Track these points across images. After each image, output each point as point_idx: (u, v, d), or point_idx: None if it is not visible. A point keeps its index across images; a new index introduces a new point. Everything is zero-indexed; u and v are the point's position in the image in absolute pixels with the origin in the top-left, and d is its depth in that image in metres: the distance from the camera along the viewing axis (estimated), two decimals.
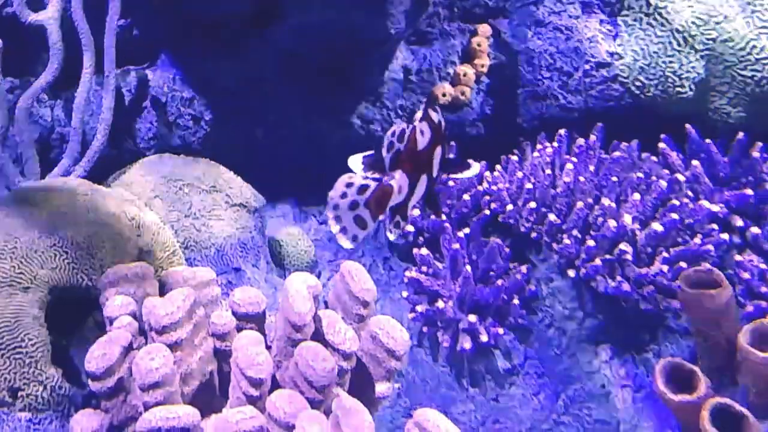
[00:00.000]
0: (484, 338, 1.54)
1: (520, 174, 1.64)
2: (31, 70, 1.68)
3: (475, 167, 1.06)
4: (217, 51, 1.69)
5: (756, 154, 1.58)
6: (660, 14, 1.68)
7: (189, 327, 1.02)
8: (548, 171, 1.61)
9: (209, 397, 1.07)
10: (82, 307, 1.21)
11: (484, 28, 1.76)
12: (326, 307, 1.12)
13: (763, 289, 1.49)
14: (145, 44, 1.74)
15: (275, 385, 1.02)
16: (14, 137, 1.58)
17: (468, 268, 1.57)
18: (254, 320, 1.08)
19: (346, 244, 0.97)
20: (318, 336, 1.03)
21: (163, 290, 1.19)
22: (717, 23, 1.64)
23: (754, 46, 1.61)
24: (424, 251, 1.63)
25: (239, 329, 1.08)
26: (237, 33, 1.67)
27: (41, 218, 1.24)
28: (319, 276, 1.75)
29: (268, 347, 1.06)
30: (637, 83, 1.71)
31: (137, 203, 1.39)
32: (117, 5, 1.52)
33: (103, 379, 0.99)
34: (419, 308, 1.59)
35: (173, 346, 1.00)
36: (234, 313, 1.08)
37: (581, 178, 1.58)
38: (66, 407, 1.12)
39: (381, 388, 1.08)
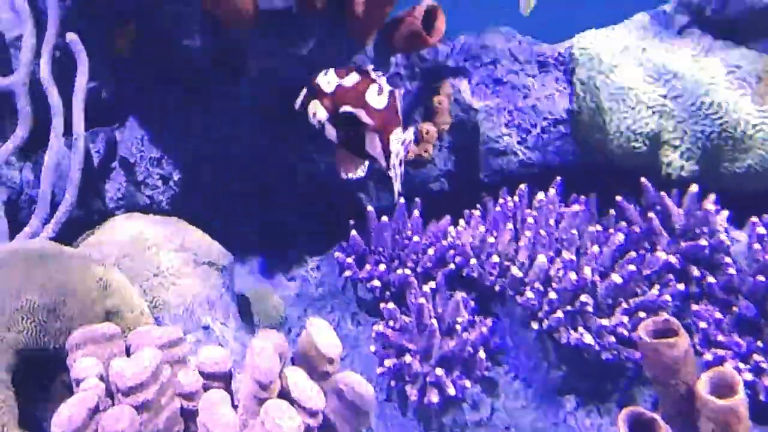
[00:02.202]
0: (451, 391, 1.56)
1: (482, 228, 1.68)
2: (0, 134, 1.69)
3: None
4: (183, 109, 1.72)
5: (710, 206, 1.63)
6: (612, 71, 1.74)
7: (155, 387, 1.03)
8: (510, 225, 1.64)
9: None
10: (49, 369, 1.22)
11: (445, 87, 1.81)
12: (293, 364, 1.13)
13: (720, 338, 1.53)
14: (113, 106, 1.76)
15: None
16: None
17: (434, 321, 1.59)
18: (221, 379, 1.09)
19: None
20: (284, 394, 1.04)
21: (130, 351, 1.20)
22: (667, 80, 1.70)
23: (703, 102, 1.67)
24: (391, 305, 1.66)
25: (206, 388, 1.09)
26: (202, 90, 1.70)
27: (8, 281, 1.25)
28: (288, 332, 1.76)
29: (235, 406, 1.07)
30: (593, 139, 1.76)
31: (105, 264, 1.39)
32: (85, 68, 1.54)
33: None
34: (387, 363, 1.61)
35: (140, 408, 1.01)
36: (201, 373, 1.09)
37: (542, 232, 1.62)
38: None
39: None
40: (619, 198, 1.70)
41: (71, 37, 1.52)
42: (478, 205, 1.79)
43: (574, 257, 1.57)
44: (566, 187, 1.73)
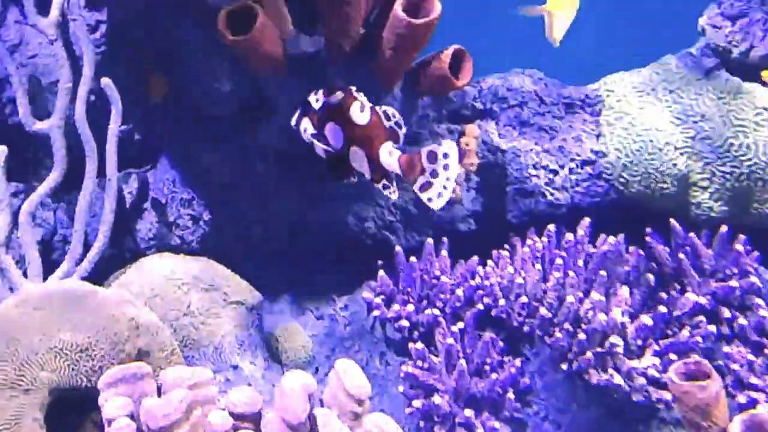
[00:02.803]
0: None
1: (511, 269, 1.68)
2: (35, 175, 1.72)
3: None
4: (213, 152, 1.75)
5: (739, 246, 1.62)
6: (640, 114, 1.75)
7: (186, 427, 1.04)
8: (538, 266, 1.64)
9: None
10: (81, 408, 1.23)
11: (472, 129, 1.83)
12: (322, 405, 1.14)
13: (753, 380, 1.51)
14: (145, 148, 1.79)
15: None
16: (17, 239, 1.61)
17: (463, 362, 1.59)
18: (250, 420, 1.10)
19: None
20: None
21: (161, 390, 1.21)
22: (695, 122, 1.71)
23: (732, 144, 1.67)
24: (420, 345, 1.66)
25: (235, 429, 1.09)
26: (232, 132, 1.73)
27: (43, 320, 1.27)
28: (316, 371, 1.76)
29: None
30: (621, 180, 1.76)
31: (136, 303, 1.41)
32: (119, 112, 1.57)
33: None
34: (416, 403, 1.61)
35: None
36: (230, 413, 1.10)
37: (571, 273, 1.61)
38: None
39: None
40: (648, 239, 1.70)
41: (106, 82, 1.55)
42: (506, 246, 1.80)
43: (603, 298, 1.57)
44: (595, 227, 1.73)
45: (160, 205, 1.77)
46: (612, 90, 1.81)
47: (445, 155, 1.19)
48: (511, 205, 1.84)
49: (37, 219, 1.70)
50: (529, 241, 1.73)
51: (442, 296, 1.71)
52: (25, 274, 1.57)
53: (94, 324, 1.28)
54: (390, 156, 1.21)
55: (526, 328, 1.63)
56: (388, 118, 1.22)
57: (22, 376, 1.19)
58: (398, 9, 1.45)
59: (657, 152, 1.72)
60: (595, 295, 1.57)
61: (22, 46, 1.66)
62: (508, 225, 1.85)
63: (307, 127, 1.29)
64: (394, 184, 1.24)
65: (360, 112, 1.22)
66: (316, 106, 1.27)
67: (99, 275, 1.59)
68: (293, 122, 1.32)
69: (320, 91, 1.27)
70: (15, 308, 1.30)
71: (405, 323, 1.70)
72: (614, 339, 1.53)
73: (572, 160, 1.82)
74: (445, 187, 1.19)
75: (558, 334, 1.57)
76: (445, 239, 1.78)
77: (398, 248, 1.77)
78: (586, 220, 1.73)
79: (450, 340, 1.61)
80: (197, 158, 1.76)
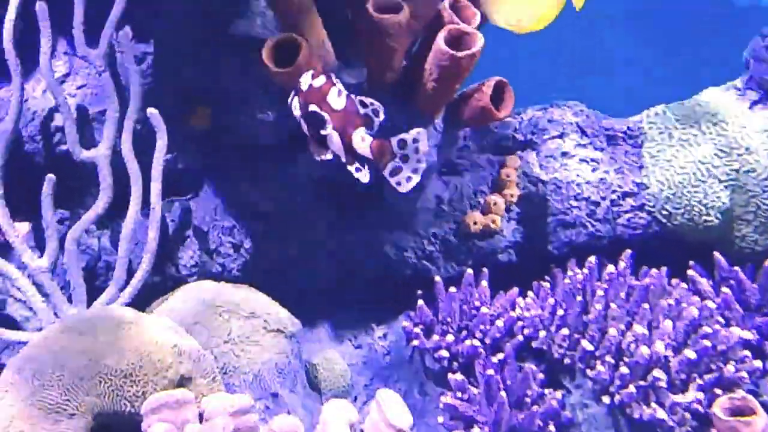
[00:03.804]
0: None
1: (552, 300, 1.67)
2: (81, 202, 1.75)
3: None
4: (255, 181, 1.77)
5: None
6: (683, 146, 1.74)
7: None
8: (579, 298, 1.63)
9: None
10: None
11: (513, 160, 1.83)
12: None
13: None
14: (188, 176, 1.82)
15: None
16: (63, 266, 1.64)
17: (503, 393, 1.58)
18: None
19: None
20: None
21: (203, 417, 1.22)
22: (739, 155, 1.70)
23: None
24: (459, 377, 1.65)
25: None
26: (274, 161, 1.75)
27: (88, 346, 1.28)
28: (354, 400, 1.76)
29: None
30: (664, 212, 1.75)
31: (179, 330, 1.43)
32: (164, 141, 1.60)
33: None
34: None
35: None
36: None
37: (613, 305, 1.60)
38: None
39: None
40: (691, 272, 1.68)
41: (152, 111, 1.58)
42: (546, 277, 1.79)
43: (646, 331, 1.55)
44: (637, 259, 1.72)
45: (202, 233, 1.79)
46: (654, 122, 1.81)
47: (414, 141, 1.25)
48: (552, 236, 1.84)
49: (81, 245, 1.72)
50: (570, 273, 1.72)
51: (481, 327, 1.70)
52: (69, 300, 1.60)
53: (137, 350, 1.29)
54: (362, 141, 1.27)
55: (567, 361, 1.62)
56: (365, 106, 1.28)
57: (68, 401, 1.21)
58: (441, 42, 1.47)
59: (700, 185, 1.71)
60: (638, 328, 1.55)
61: (71, 77, 1.70)
62: (548, 256, 1.84)
63: (296, 106, 1.34)
64: (366, 167, 1.30)
65: (337, 97, 1.28)
66: (303, 87, 1.32)
67: (142, 302, 1.61)
68: (289, 101, 1.38)
69: (309, 73, 1.32)
70: (61, 334, 1.32)
71: (444, 353, 1.70)
72: (657, 373, 1.51)
73: (614, 191, 1.81)
74: (414, 171, 1.26)
75: (600, 367, 1.56)
76: (485, 269, 1.78)
77: (438, 278, 1.77)
78: (628, 252, 1.72)
79: (490, 372, 1.60)
80: (239, 187, 1.79)
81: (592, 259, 1.72)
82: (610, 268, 1.69)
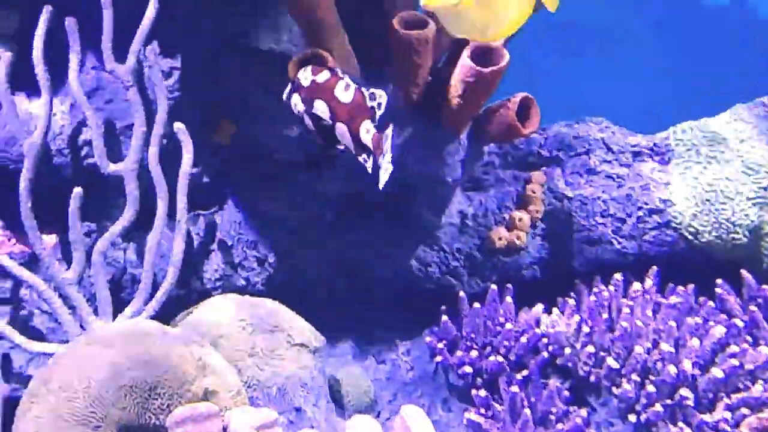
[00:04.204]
0: None
1: (577, 317, 1.66)
2: (107, 215, 1.76)
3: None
4: (280, 196, 1.77)
5: None
6: (710, 163, 1.73)
7: None
8: (605, 315, 1.62)
9: None
10: None
11: (538, 176, 1.83)
12: None
13: None
14: (213, 190, 1.83)
15: None
16: (89, 278, 1.65)
17: (527, 410, 1.57)
18: None
19: None
20: None
21: (227, 430, 1.23)
22: (767, 172, 1.68)
23: None
24: (483, 393, 1.64)
25: None
26: (298, 176, 1.75)
27: (113, 359, 1.29)
28: (378, 416, 1.76)
29: None
30: (691, 229, 1.74)
31: (203, 343, 1.43)
32: (190, 156, 1.60)
33: None
34: None
35: None
36: None
37: (639, 323, 1.59)
38: None
39: None
40: (719, 290, 1.67)
41: (179, 126, 1.59)
42: (572, 294, 1.78)
43: (672, 349, 1.54)
44: (663, 277, 1.70)
45: (226, 246, 1.80)
46: (681, 139, 1.80)
47: (386, 136, 1.29)
48: (578, 252, 1.83)
49: (107, 258, 1.73)
50: (595, 290, 1.71)
51: (506, 343, 1.69)
52: (95, 312, 1.60)
53: (162, 363, 1.30)
54: (367, 133, 1.30)
55: (592, 378, 1.61)
56: (373, 99, 1.30)
57: (93, 413, 1.22)
58: (466, 57, 1.47)
59: (728, 202, 1.70)
60: (665, 346, 1.54)
61: (99, 91, 1.71)
62: (574, 272, 1.84)
63: (297, 102, 1.38)
64: (371, 158, 1.32)
65: (344, 90, 1.31)
66: (305, 83, 1.35)
67: (166, 315, 1.61)
68: (284, 97, 1.41)
69: (309, 69, 1.35)
70: (87, 346, 1.33)
71: (468, 369, 1.69)
72: (684, 391, 1.50)
73: (640, 208, 1.80)
74: (388, 168, 1.29)
75: (626, 385, 1.54)
76: (509, 285, 1.77)
77: (462, 294, 1.77)
78: (654, 269, 1.71)
79: (514, 388, 1.59)
80: (263, 201, 1.79)
81: (618, 276, 1.71)
82: (637, 285, 1.68)
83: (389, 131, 1.28)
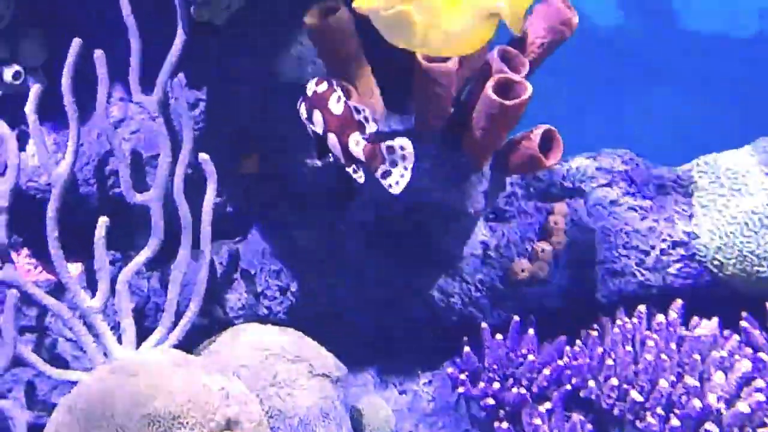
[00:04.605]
0: None
1: (600, 350, 1.65)
2: (131, 244, 1.78)
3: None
4: (302, 224, 1.78)
5: None
6: (734, 195, 1.73)
7: None
8: (629, 348, 1.61)
9: None
10: None
11: (561, 207, 1.83)
12: None
13: None
14: (237, 220, 1.84)
15: None
16: (113, 306, 1.66)
17: None
18: None
19: None
20: None
21: None
22: None
23: None
24: (506, 425, 1.64)
25: None
26: (322, 206, 1.77)
27: (137, 387, 1.30)
28: None
29: None
30: (715, 262, 1.73)
31: (226, 373, 1.44)
32: (214, 186, 1.62)
33: None
34: None
35: None
36: None
37: (663, 356, 1.58)
38: None
39: None
40: (744, 323, 1.66)
41: (204, 157, 1.61)
42: (595, 326, 1.77)
43: (697, 383, 1.52)
44: (687, 310, 1.69)
45: (249, 275, 1.81)
46: (705, 171, 1.80)
47: (402, 147, 1.32)
48: (601, 284, 1.83)
49: (132, 287, 1.75)
50: (618, 322, 1.70)
51: (528, 375, 1.69)
52: (119, 341, 1.62)
53: (185, 392, 1.31)
54: (356, 146, 1.34)
55: (616, 411, 1.60)
56: (359, 112, 1.34)
57: None
58: (489, 90, 1.48)
59: (753, 235, 1.69)
60: (689, 380, 1.53)
61: (126, 122, 1.73)
62: (597, 304, 1.83)
63: (303, 112, 1.42)
64: (361, 170, 1.36)
65: (336, 102, 1.35)
66: (309, 93, 1.40)
67: (189, 343, 1.62)
68: (297, 106, 1.45)
69: (313, 80, 1.40)
70: (111, 375, 1.34)
71: (491, 401, 1.69)
72: (710, 426, 1.48)
73: (664, 240, 1.79)
74: (402, 176, 1.32)
75: (650, 419, 1.53)
76: (532, 317, 1.77)
77: (484, 325, 1.76)
78: (678, 302, 1.70)
79: (537, 421, 1.59)
80: (286, 231, 1.80)
81: (642, 308, 1.70)
82: (660, 317, 1.67)
83: (399, 142, 1.32)
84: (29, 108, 1.58)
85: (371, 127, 1.34)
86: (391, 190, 1.33)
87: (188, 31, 1.57)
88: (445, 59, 1.47)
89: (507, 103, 1.46)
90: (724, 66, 4.48)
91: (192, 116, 1.66)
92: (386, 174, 1.33)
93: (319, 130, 1.38)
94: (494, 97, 1.47)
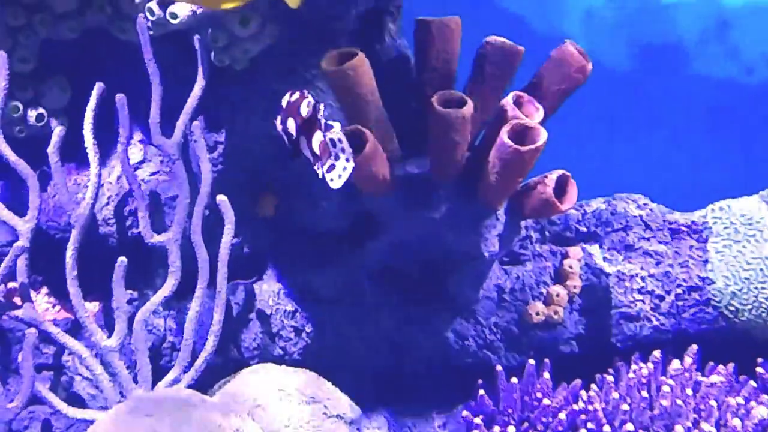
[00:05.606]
0: None
1: (616, 394, 1.64)
2: (149, 283, 1.80)
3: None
4: (318, 266, 1.80)
5: None
6: (749, 242, 1.73)
7: None
8: (645, 393, 1.60)
9: None
10: None
11: (576, 251, 1.84)
12: None
13: None
14: (253, 261, 1.85)
15: None
16: (130, 345, 1.67)
17: None
18: None
19: None
20: None
21: None
22: None
23: None
24: None
25: None
26: (337, 248, 1.78)
27: (153, 427, 1.31)
28: None
29: None
30: (731, 308, 1.73)
31: (241, 413, 1.44)
32: (231, 227, 1.64)
33: None
34: None
35: None
36: None
37: (679, 401, 1.57)
38: None
39: None
40: (760, 369, 1.65)
41: (221, 198, 1.62)
42: (610, 370, 1.77)
43: (714, 429, 1.51)
44: (703, 355, 1.69)
45: (264, 316, 1.82)
46: (719, 217, 1.80)
47: (339, 140, 1.35)
48: (615, 328, 1.83)
49: (148, 326, 1.76)
50: (634, 367, 1.70)
51: (543, 419, 1.68)
52: (135, 380, 1.62)
53: None
54: (317, 143, 1.36)
55: None
56: (317, 110, 1.36)
57: None
58: (504, 136, 1.49)
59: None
60: (706, 426, 1.52)
61: (145, 163, 1.76)
62: (611, 349, 1.83)
63: (277, 123, 1.44)
64: (323, 168, 1.37)
65: (306, 107, 1.37)
66: (284, 104, 1.42)
67: (204, 383, 1.63)
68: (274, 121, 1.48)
69: (288, 93, 1.42)
70: (127, 414, 1.35)
71: None
72: None
73: (679, 285, 1.80)
74: (344, 169, 1.34)
75: None
76: (547, 360, 1.76)
77: (499, 368, 1.76)
78: (694, 348, 1.69)
79: None
80: (302, 272, 1.81)
81: (657, 353, 1.69)
82: (676, 363, 1.66)
83: (335, 134, 1.35)
84: (51, 149, 1.61)
85: (336, 127, 1.36)
86: (332, 185, 1.35)
87: (208, 75, 1.60)
88: (461, 105, 1.49)
89: (522, 148, 1.48)
90: (733, 111, 4.49)
91: (210, 158, 1.69)
92: (331, 168, 1.35)
93: (293, 131, 1.41)
94: (509, 143, 1.48)
